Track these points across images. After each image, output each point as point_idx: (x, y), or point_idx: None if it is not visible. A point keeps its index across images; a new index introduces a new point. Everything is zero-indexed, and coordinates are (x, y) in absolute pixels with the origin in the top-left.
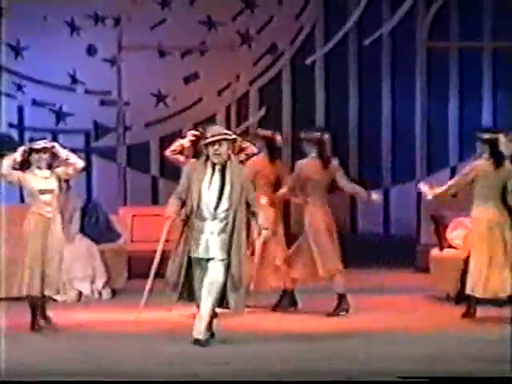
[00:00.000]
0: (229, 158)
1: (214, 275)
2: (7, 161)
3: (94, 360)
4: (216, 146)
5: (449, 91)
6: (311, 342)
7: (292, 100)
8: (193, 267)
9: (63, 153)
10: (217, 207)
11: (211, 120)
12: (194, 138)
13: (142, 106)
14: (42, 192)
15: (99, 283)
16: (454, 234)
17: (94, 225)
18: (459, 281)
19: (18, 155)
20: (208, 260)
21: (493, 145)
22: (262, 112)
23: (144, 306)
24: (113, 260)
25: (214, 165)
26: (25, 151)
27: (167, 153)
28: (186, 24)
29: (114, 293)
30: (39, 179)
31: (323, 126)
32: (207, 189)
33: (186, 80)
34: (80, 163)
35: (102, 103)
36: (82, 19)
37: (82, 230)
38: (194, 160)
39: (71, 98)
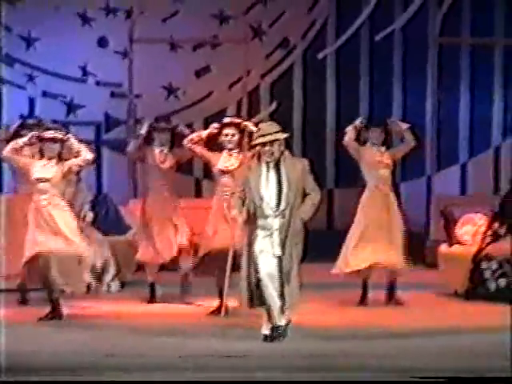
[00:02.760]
0: (282, 153)
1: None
2: (13, 144)
3: (101, 353)
4: (267, 147)
5: (460, 87)
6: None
7: (303, 94)
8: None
9: (76, 145)
10: (278, 204)
11: (222, 114)
12: (215, 131)
13: (152, 98)
14: (39, 180)
15: (108, 275)
16: (463, 230)
17: (104, 217)
18: (468, 277)
19: (22, 141)
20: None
21: (388, 133)
22: (273, 106)
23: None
24: (122, 252)
25: (267, 162)
26: (32, 137)
27: (184, 142)
28: (198, 17)
29: (122, 285)
30: (40, 167)
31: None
32: (265, 187)
33: (198, 73)
34: (89, 155)
35: (113, 95)
36: (93, 11)
37: (92, 222)
38: (249, 156)
39: (82, 89)
